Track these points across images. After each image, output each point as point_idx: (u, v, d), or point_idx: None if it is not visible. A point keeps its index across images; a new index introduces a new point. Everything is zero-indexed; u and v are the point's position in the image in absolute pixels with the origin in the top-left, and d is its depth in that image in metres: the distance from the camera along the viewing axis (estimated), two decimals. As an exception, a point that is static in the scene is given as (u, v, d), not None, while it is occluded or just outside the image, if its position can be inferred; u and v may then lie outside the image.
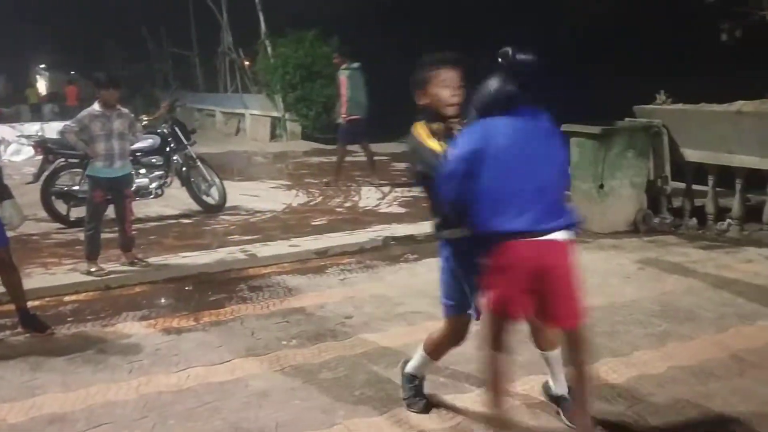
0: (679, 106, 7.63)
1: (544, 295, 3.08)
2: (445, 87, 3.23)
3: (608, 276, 5.92)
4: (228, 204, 8.95)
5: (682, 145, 7.38)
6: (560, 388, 3.63)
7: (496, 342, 3.12)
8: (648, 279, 5.83)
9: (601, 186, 7.27)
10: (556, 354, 3.50)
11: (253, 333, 4.88)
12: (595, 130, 7.27)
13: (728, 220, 7.13)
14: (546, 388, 3.77)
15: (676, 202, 7.67)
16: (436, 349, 3.64)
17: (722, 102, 7.20)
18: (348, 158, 11.21)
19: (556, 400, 3.68)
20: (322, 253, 6.80)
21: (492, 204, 2.98)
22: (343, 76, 10.50)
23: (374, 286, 5.85)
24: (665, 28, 13.16)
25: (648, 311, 5.05)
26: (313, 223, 8.07)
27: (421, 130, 3.26)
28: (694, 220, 7.35)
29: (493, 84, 3.05)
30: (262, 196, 9.94)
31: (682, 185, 7.58)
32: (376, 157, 11.05)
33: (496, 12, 18.92)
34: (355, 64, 10.60)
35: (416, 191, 9.83)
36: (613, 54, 14.90)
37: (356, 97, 10.36)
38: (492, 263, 3.05)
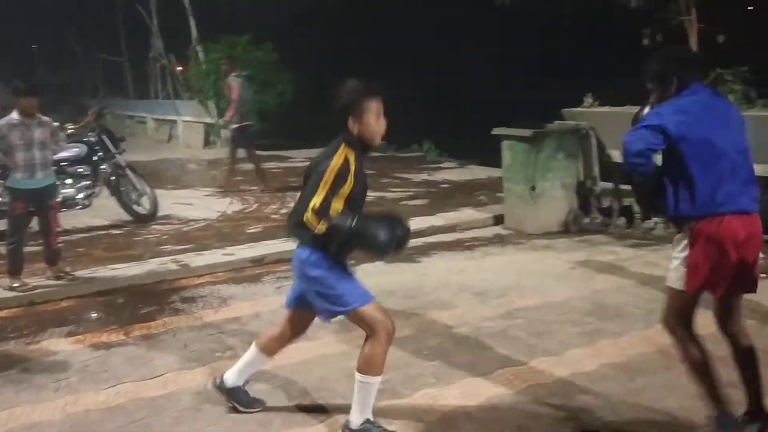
0: (606, 108, 7.85)
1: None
2: (379, 118, 3.36)
3: (542, 276, 6.03)
4: (160, 213, 8.73)
5: (609, 146, 7.59)
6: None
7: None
8: (579, 278, 5.97)
9: (533, 188, 7.42)
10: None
11: (186, 345, 4.77)
12: (526, 133, 7.41)
13: (654, 219, 7.36)
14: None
15: (605, 202, 7.87)
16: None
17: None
18: (283, 164, 11.13)
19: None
20: (257, 261, 6.71)
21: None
22: (235, 82, 10.59)
23: (311, 293, 5.80)
24: (591, 33, 13.54)
25: (580, 310, 5.17)
26: (249, 231, 7.96)
27: (343, 160, 3.26)
28: (623, 220, 7.57)
29: None
30: (195, 204, 9.75)
31: (611, 185, 7.79)
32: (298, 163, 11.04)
33: (426, 19, 19.14)
34: (245, 72, 11.05)
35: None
36: (540, 59, 15.28)
37: (247, 104, 10.71)
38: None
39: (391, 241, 3.29)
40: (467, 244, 7.31)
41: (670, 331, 3.30)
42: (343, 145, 3.32)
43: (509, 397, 3.85)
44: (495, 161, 8.09)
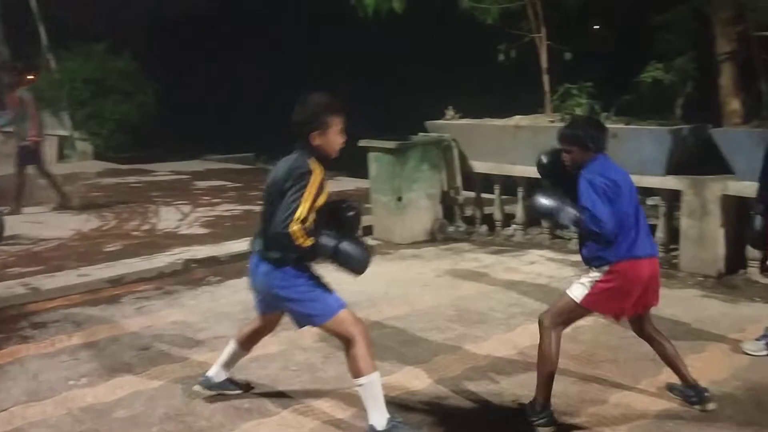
0: (466, 120, 8.15)
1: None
2: (341, 134, 3.48)
3: (409, 285, 6.14)
4: (7, 233, 8.07)
5: (470, 157, 7.87)
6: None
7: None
8: (445, 286, 6.13)
9: (399, 198, 7.55)
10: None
11: (36, 375, 4.43)
12: (391, 144, 7.54)
13: (513, 226, 7.72)
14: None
15: (469, 211, 8.16)
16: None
17: (504, 116, 7.80)
18: (146, 178, 10.67)
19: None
20: (116, 282, 6.37)
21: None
22: (28, 96, 9.90)
23: (175, 312, 5.58)
24: (452, 48, 14.05)
25: (445, 317, 5.30)
26: (107, 250, 7.55)
27: (318, 172, 3.33)
28: (485, 227, 7.87)
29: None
30: (47, 222, 9.12)
31: (473, 194, 8.08)
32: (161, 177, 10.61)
33: (297, 33, 19.12)
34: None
35: (219, 210, 9.60)
36: (406, 73, 15.69)
37: (41, 118, 10.17)
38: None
39: (368, 259, 3.46)
40: (336, 255, 7.31)
41: (547, 327, 3.68)
42: (312, 158, 3.36)
43: (378, 407, 3.87)
44: (364, 172, 8.17)
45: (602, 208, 3.43)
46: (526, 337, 4.81)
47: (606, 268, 3.55)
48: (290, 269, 3.41)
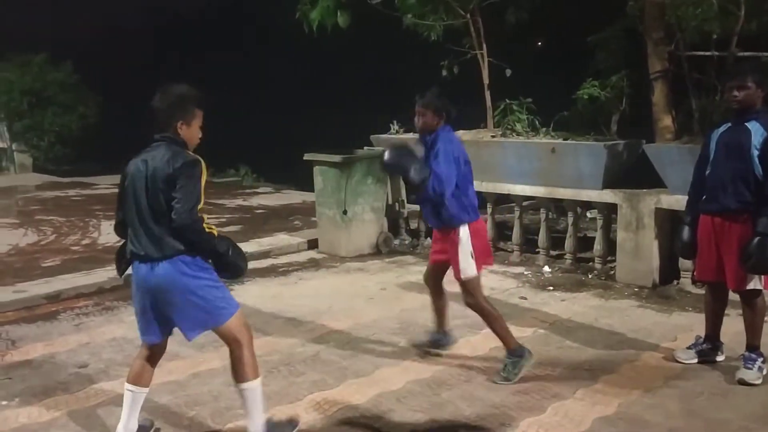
0: (411, 135, 8.22)
1: None
2: (200, 126, 3.47)
3: (353, 299, 6.17)
4: (-62, 249, 7.82)
5: (415, 170, 7.94)
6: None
7: None
8: (389, 298, 6.17)
9: (345, 212, 7.58)
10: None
11: (-34, 396, 4.29)
12: (337, 158, 7.57)
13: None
14: None
15: (413, 224, 8.24)
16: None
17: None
18: (87, 191, 10.44)
19: None
20: (53, 298, 6.21)
21: None
22: None
23: (114, 328, 5.47)
24: (395, 63, 14.21)
25: (388, 329, 5.33)
26: (44, 265, 7.36)
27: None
28: (429, 240, 7.94)
29: None
30: (-18, 237, 8.85)
31: (418, 207, 8.15)
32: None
33: (242, 42, 19.03)
34: None
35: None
36: (350, 89, 15.79)
37: None
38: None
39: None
40: (281, 269, 7.29)
41: (480, 304, 4.39)
42: (185, 150, 3.36)
43: (319, 422, 3.87)
44: (310, 186, 8.17)
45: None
46: (468, 348, 4.89)
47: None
48: (198, 259, 3.34)
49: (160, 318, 3.42)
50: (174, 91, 3.38)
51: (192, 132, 3.41)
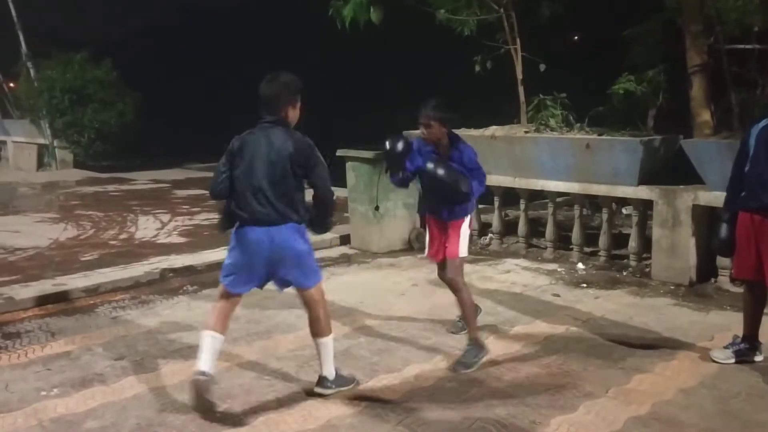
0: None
1: None
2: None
3: (385, 294, 6.18)
4: (-18, 242, 8.05)
5: (447, 166, 7.91)
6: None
7: None
8: (420, 294, 6.16)
9: (377, 208, 7.59)
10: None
11: (7, 386, 4.40)
12: (369, 154, 7.58)
13: (490, 235, 7.78)
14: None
15: (446, 220, 8.19)
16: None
17: (480, 127, 7.86)
18: (125, 186, 10.64)
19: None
20: (91, 291, 6.35)
21: None
22: None
23: (149, 322, 5.57)
24: (430, 59, 14.16)
25: (419, 326, 5.33)
26: (83, 259, 7.52)
27: None
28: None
29: None
30: (24, 231, 9.08)
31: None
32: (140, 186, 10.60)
33: (275, 39, 19.16)
34: None
35: (198, 219, 9.58)
36: (384, 85, 15.78)
37: None
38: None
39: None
40: (314, 265, 7.33)
41: (460, 284, 4.65)
42: (295, 131, 3.86)
43: (349, 417, 3.88)
44: (343, 182, 8.20)
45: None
46: (496, 346, 4.85)
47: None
48: (304, 229, 3.94)
49: (265, 273, 3.93)
50: (282, 79, 3.84)
51: (296, 114, 3.89)
